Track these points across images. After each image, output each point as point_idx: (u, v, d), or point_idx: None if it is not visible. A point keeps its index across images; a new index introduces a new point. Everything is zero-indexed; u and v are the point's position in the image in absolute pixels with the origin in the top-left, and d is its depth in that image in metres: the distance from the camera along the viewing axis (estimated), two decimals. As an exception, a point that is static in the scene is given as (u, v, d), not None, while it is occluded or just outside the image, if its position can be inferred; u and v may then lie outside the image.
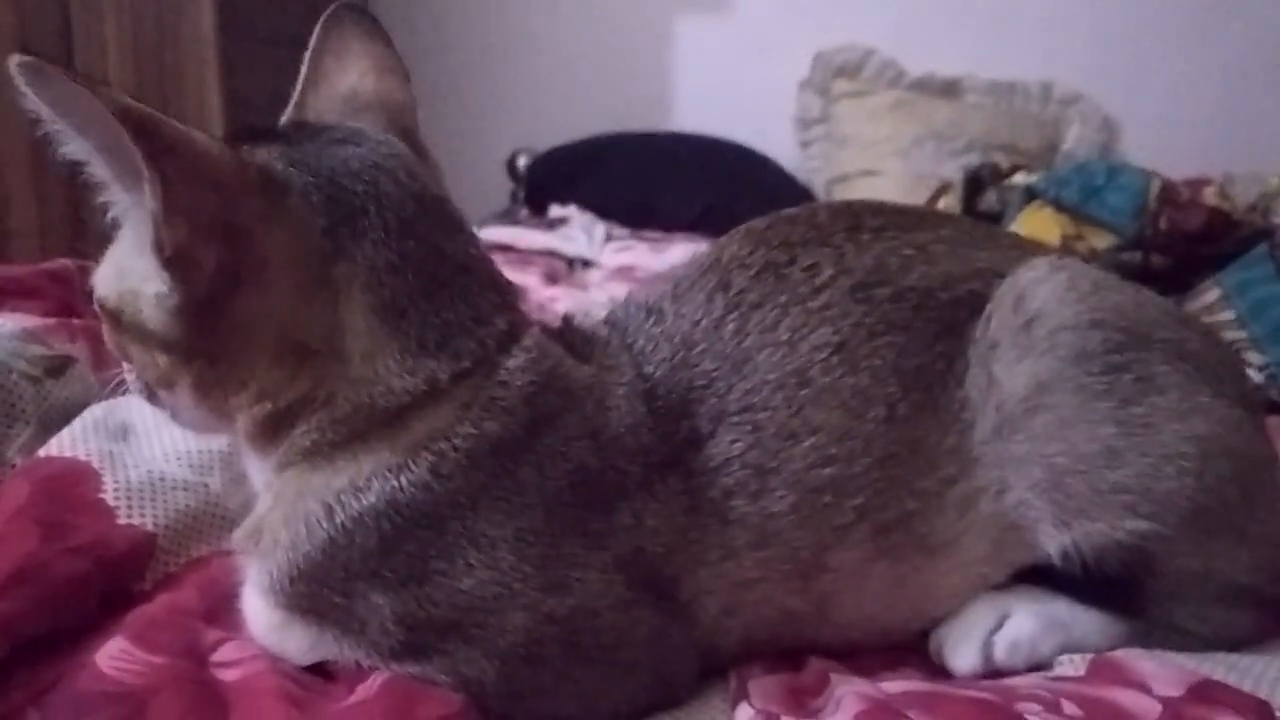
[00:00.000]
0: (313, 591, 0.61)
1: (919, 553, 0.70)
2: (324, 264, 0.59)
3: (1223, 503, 0.70)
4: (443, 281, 0.62)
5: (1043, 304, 0.70)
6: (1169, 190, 1.49)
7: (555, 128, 2.83)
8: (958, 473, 0.70)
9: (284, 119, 0.70)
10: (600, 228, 2.47)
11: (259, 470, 0.65)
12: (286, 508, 0.61)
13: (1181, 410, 0.69)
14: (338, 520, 0.59)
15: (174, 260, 0.56)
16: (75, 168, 0.57)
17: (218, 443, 0.82)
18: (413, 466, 0.59)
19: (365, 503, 0.59)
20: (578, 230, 2.43)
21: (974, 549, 0.71)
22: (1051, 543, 0.71)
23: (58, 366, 0.89)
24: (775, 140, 2.84)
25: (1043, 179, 1.59)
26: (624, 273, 2.23)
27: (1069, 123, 2.82)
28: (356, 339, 0.60)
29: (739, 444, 0.67)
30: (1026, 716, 0.62)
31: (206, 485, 0.80)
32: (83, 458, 0.77)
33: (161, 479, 0.78)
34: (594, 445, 0.64)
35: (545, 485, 0.62)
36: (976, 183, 1.69)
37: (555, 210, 2.58)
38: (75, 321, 0.95)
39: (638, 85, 3.00)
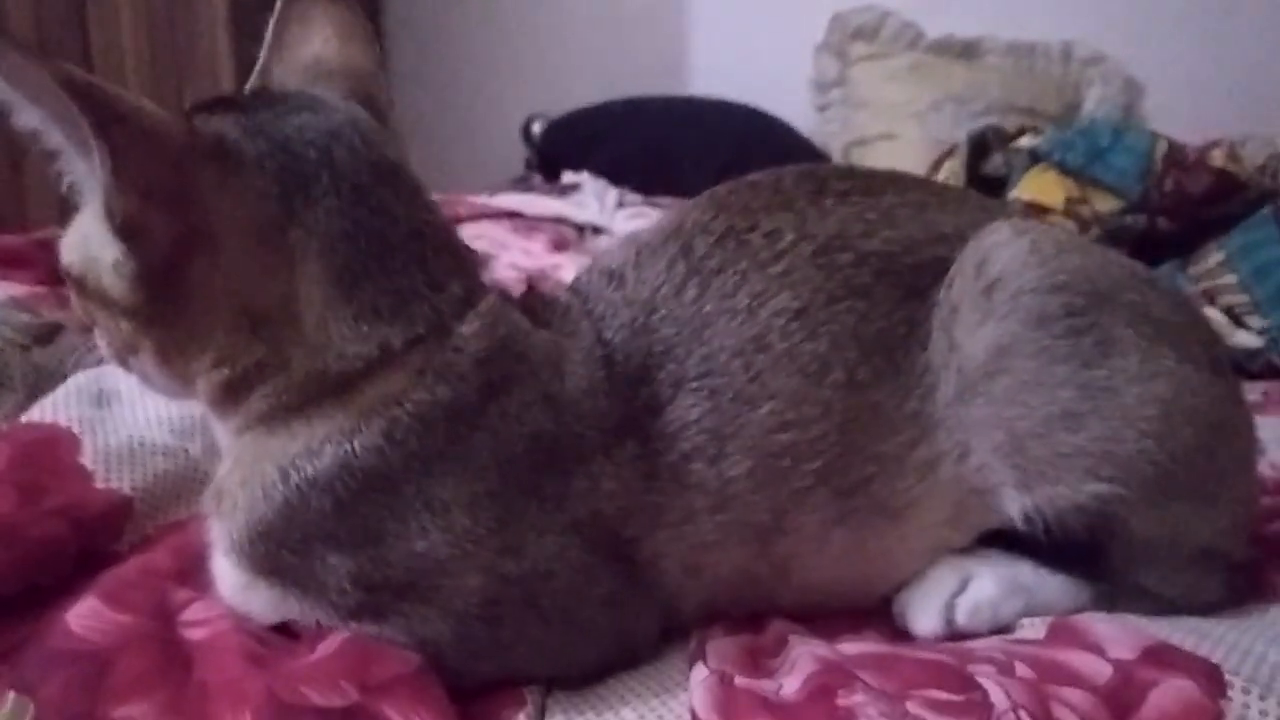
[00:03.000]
0: (271, 553, 0.62)
1: (879, 516, 0.70)
2: (277, 232, 0.60)
3: (1186, 466, 0.70)
4: (397, 248, 0.63)
5: (1004, 268, 0.70)
6: (1175, 152, 1.47)
7: (570, 93, 2.82)
8: (919, 437, 0.70)
9: (249, 84, 0.71)
10: (612, 194, 2.47)
11: (221, 433, 0.66)
12: (245, 471, 0.62)
13: (1143, 373, 0.69)
14: (292, 483, 0.61)
15: (125, 228, 0.57)
16: (31, 136, 0.58)
17: (198, 408, 0.84)
18: (365, 430, 0.60)
19: (319, 466, 0.60)
20: (589, 197, 2.43)
21: (935, 513, 0.71)
22: (1013, 506, 0.71)
23: (46, 334, 0.91)
24: (792, 104, 2.82)
25: (1047, 141, 1.57)
26: (634, 239, 2.23)
27: (1090, 84, 2.78)
28: (310, 306, 0.61)
29: (697, 409, 0.68)
30: (978, 678, 0.62)
31: (187, 450, 0.82)
32: (63, 423, 0.79)
33: (141, 444, 0.79)
34: (549, 410, 0.65)
35: (500, 449, 0.63)
36: (981, 146, 1.68)
37: (568, 177, 2.58)
38: (64, 290, 0.97)
39: (654, 49, 2.98)
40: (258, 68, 0.71)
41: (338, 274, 0.61)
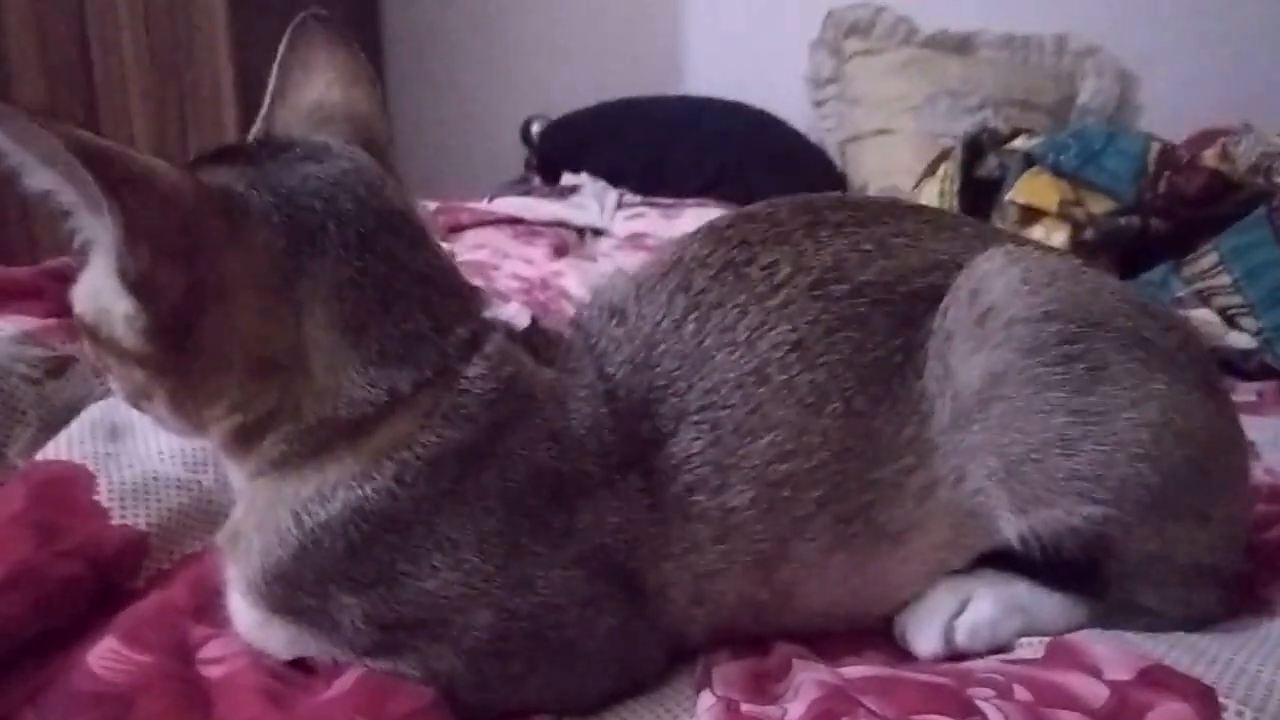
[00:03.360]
0: (287, 593, 0.64)
1: (879, 541, 0.72)
2: (286, 282, 0.61)
3: (1179, 486, 0.72)
4: (403, 293, 0.64)
5: (997, 296, 0.72)
6: (1168, 154, 1.48)
7: (567, 93, 2.83)
8: (916, 462, 0.72)
9: (253, 131, 0.72)
10: (612, 195, 2.48)
11: (235, 477, 0.68)
12: (259, 515, 0.64)
13: (1135, 398, 0.71)
14: (306, 527, 0.62)
15: (139, 285, 0.59)
16: (44, 196, 0.59)
17: (203, 440, 0.86)
18: (376, 475, 0.62)
19: (332, 511, 0.62)
20: (589, 198, 2.44)
21: (933, 536, 0.73)
22: (1010, 529, 0.72)
23: (58, 367, 0.92)
24: (788, 101, 2.83)
25: (1041, 144, 1.58)
26: (635, 240, 2.25)
27: (1084, 76, 2.78)
28: (320, 353, 0.62)
29: (699, 441, 0.69)
30: (978, 701, 0.64)
31: (199, 482, 0.83)
32: (78, 460, 0.80)
33: (155, 478, 0.81)
34: (554, 447, 0.66)
35: (507, 488, 0.64)
36: (976, 148, 1.68)
37: (567, 178, 2.59)
38: (74, 321, 0.98)
39: (649, 49, 2.99)
40: (262, 113, 0.72)
41: (346, 322, 0.62)
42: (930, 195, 1.64)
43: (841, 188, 2.68)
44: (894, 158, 2.68)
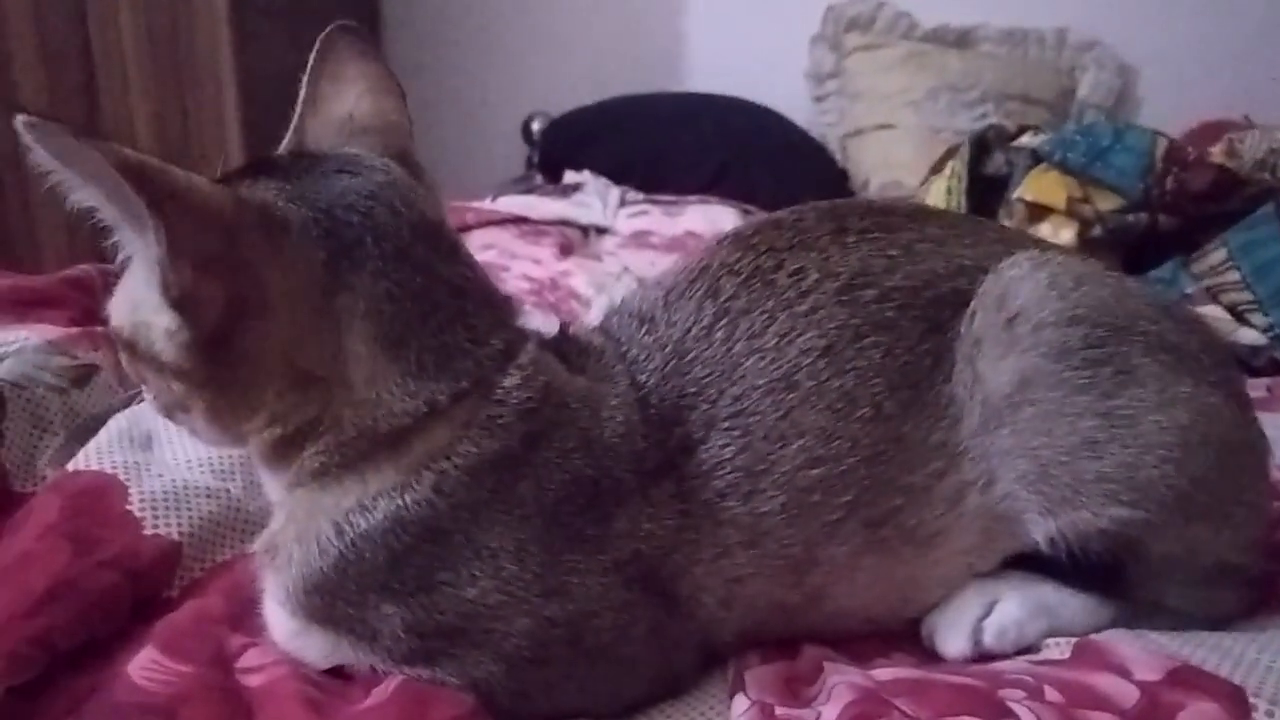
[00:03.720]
0: (327, 603, 0.64)
1: (908, 545, 0.73)
2: (325, 296, 0.62)
3: (1204, 488, 0.72)
4: (439, 305, 0.65)
5: (1025, 301, 0.72)
6: (1175, 150, 1.48)
7: (568, 90, 2.83)
8: (946, 467, 0.72)
9: (284, 143, 0.73)
10: (615, 193, 2.48)
11: (272, 487, 0.68)
12: (299, 526, 0.65)
13: (1161, 401, 0.71)
14: (347, 538, 0.63)
15: (181, 300, 0.59)
16: (87, 213, 0.60)
17: (236, 450, 0.86)
18: (416, 485, 0.63)
19: (373, 521, 0.62)
20: (592, 196, 2.44)
21: (962, 540, 0.74)
22: (1038, 531, 0.73)
23: (83, 376, 0.93)
24: (789, 96, 2.83)
25: (1049, 141, 1.58)
26: (639, 238, 2.25)
27: (1084, 70, 2.79)
28: (359, 365, 0.63)
29: (730, 448, 0.70)
30: (1009, 703, 0.65)
31: (228, 490, 0.84)
32: (109, 470, 0.81)
33: (185, 487, 0.81)
34: (589, 456, 0.67)
35: (543, 497, 0.65)
36: (983, 145, 1.69)
37: (570, 176, 2.59)
38: (98, 330, 0.99)
39: (650, 45, 2.99)
40: (293, 125, 0.73)
41: (384, 334, 0.63)
42: (938, 192, 1.65)
43: (843, 183, 2.69)
44: (895, 152, 2.69)
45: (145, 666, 0.65)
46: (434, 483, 0.63)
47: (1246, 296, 1.31)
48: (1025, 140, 1.65)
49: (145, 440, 0.87)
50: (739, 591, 0.71)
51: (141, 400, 0.78)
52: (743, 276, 0.73)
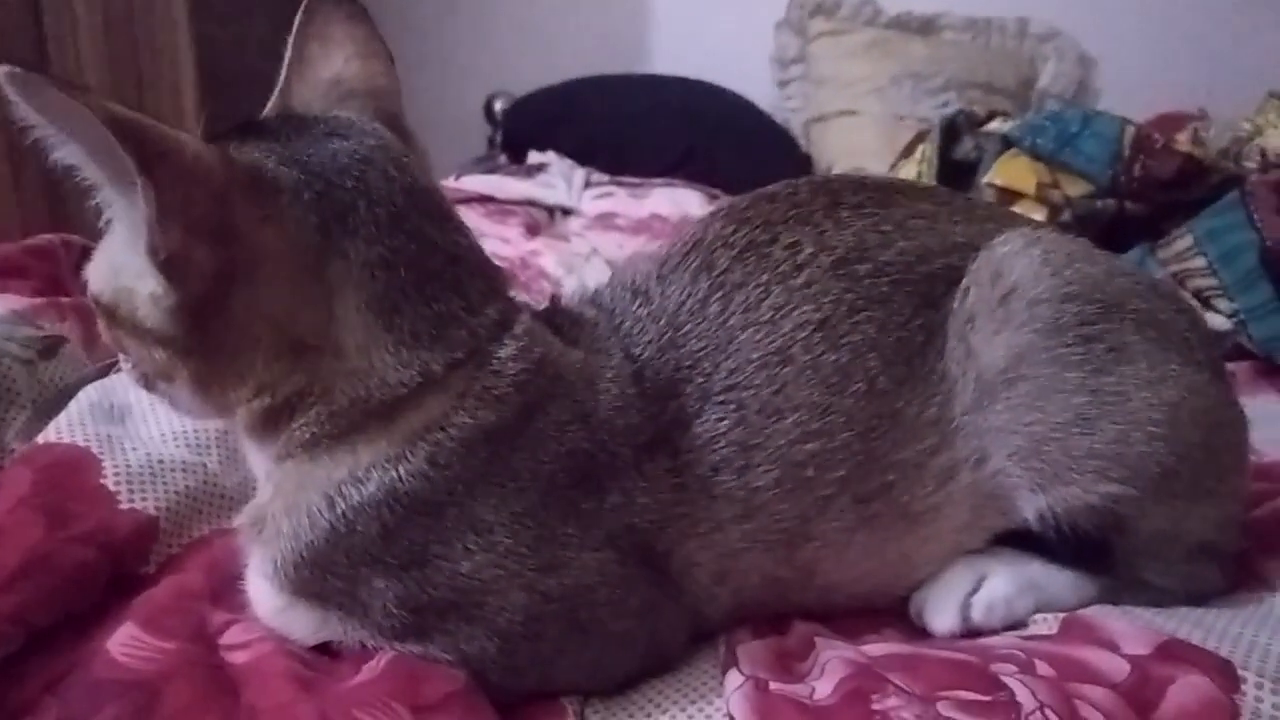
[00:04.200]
0: (316, 577, 0.63)
1: (900, 521, 0.73)
2: (317, 261, 0.60)
3: (1190, 466, 0.73)
4: (434, 273, 0.64)
5: (1018, 278, 0.72)
6: (1143, 137, 1.50)
7: (531, 70, 2.80)
8: (938, 443, 0.72)
9: (269, 106, 0.71)
10: (580, 174, 2.47)
11: (259, 459, 0.66)
12: (288, 498, 0.63)
13: (1151, 378, 0.72)
14: (339, 510, 0.61)
15: (169, 263, 0.57)
16: (67, 171, 0.57)
17: (214, 422, 0.84)
18: (410, 456, 0.61)
19: (365, 493, 0.61)
20: (557, 177, 2.43)
21: (954, 517, 0.74)
22: (1028, 508, 0.73)
23: (49, 348, 0.90)
24: (752, 81, 2.83)
25: (1018, 127, 1.60)
26: (604, 220, 2.24)
27: (1045, 59, 2.83)
28: (351, 333, 0.61)
29: (725, 422, 0.69)
30: (1002, 677, 0.65)
31: (205, 465, 0.82)
32: (81, 443, 0.78)
33: (160, 461, 0.79)
34: (584, 429, 0.66)
35: (539, 469, 0.64)
36: (952, 130, 1.70)
37: (534, 156, 2.58)
38: (64, 300, 0.96)
39: (615, 27, 2.97)
40: (279, 86, 0.71)
41: (378, 302, 0.61)
42: (907, 176, 1.65)
43: (808, 168, 2.70)
44: (858, 138, 2.70)
45: (125, 643, 0.64)
46: (428, 454, 0.61)
47: (1212, 282, 1.32)
48: (995, 126, 1.66)
49: (118, 413, 0.84)
50: (731, 566, 0.71)
51: (115, 372, 0.76)
52: (737, 250, 0.73)
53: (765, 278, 0.71)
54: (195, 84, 2.35)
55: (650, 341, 0.70)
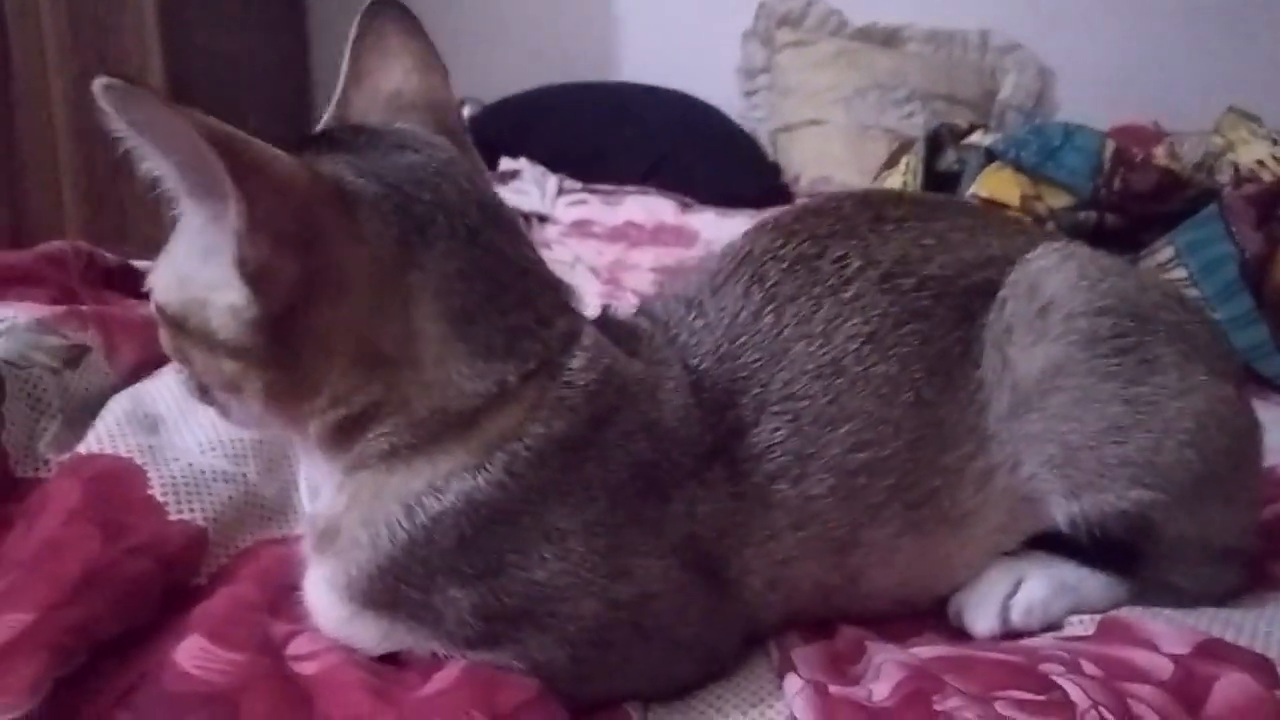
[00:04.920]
0: (391, 588, 0.63)
1: (942, 526, 0.75)
2: (397, 273, 0.61)
3: (1216, 472, 0.76)
4: (506, 286, 0.64)
5: (1055, 291, 0.75)
6: (1122, 151, 1.55)
7: (500, 77, 2.80)
8: (976, 450, 0.75)
9: (326, 116, 0.71)
10: (552, 181, 2.47)
11: (326, 471, 0.66)
12: (364, 509, 0.63)
13: (1181, 389, 0.75)
14: (418, 520, 0.62)
15: (255, 274, 0.57)
16: (154, 182, 0.57)
17: (263, 433, 0.84)
18: (488, 467, 0.62)
19: (445, 503, 0.62)
20: (530, 184, 2.43)
21: (991, 520, 0.76)
22: (1061, 513, 0.76)
23: (74, 357, 0.89)
24: (720, 90, 2.86)
25: (1002, 140, 1.64)
26: (581, 227, 2.25)
27: (1006, 71, 2.88)
28: (429, 345, 0.62)
29: (781, 432, 0.71)
30: (1053, 677, 0.67)
31: (244, 475, 0.81)
32: (124, 454, 0.78)
33: (202, 472, 0.79)
34: (650, 438, 0.67)
35: (608, 478, 0.65)
36: (935, 142, 1.74)
37: (506, 163, 2.57)
38: (84, 309, 0.95)
39: (583, 35, 2.98)
40: (336, 97, 0.71)
41: (455, 313, 0.62)
42: (892, 186, 1.69)
43: (776, 178, 2.73)
44: (825, 148, 2.73)
45: (195, 656, 0.63)
46: (505, 464, 0.62)
47: (1194, 293, 1.37)
48: (976, 138, 1.70)
49: (151, 423, 0.84)
50: (784, 573, 0.72)
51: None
52: (787, 263, 0.74)
53: (816, 290, 0.73)
54: (165, 87, 2.32)
55: (708, 353, 0.72)
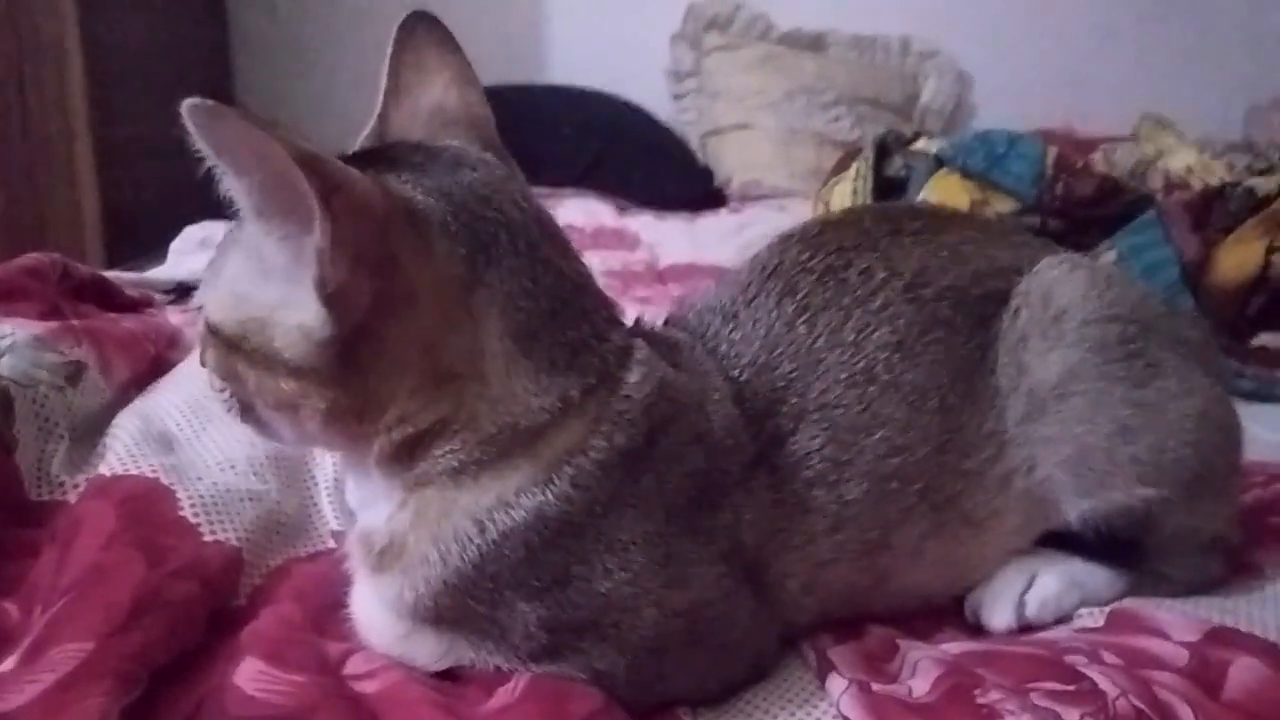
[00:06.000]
0: (458, 603, 0.64)
1: (965, 527, 0.78)
2: (465, 291, 0.61)
3: (1212, 468, 0.81)
4: (565, 301, 0.65)
5: (1068, 300, 0.78)
6: (1063, 158, 1.62)
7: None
8: (996, 454, 0.78)
9: (367, 132, 0.71)
10: (487, 183, 2.46)
11: (383, 488, 0.66)
12: (431, 526, 0.63)
13: (1181, 391, 0.79)
14: (489, 536, 0.62)
15: (334, 295, 0.57)
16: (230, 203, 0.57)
17: (267, 448, 0.83)
18: (556, 481, 0.63)
19: (516, 517, 0.62)
20: (467, 187, 2.41)
21: (1009, 521, 0.79)
22: (1072, 511, 0.80)
23: (74, 374, 0.87)
24: (649, 93, 2.88)
25: (949, 147, 1.69)
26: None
27: (926, 76, 2.98)
28: (495, 361, 0.62)
29: (817, 439, 0.73)
30: (1078, 668, 0.71)
31: (268, 493, 0.80)
32: (148, 474, 0.76)
33: (227, 491, 0.78)
34: (701, 449, 0.69)
35: (664, 489, 0.66)
36: (883, 149, 1.79)
37: (441, 165, 2.55)
38: (75, 324, 0.92)
39: (511, 36, 2.97)
40: (377, 113, 0.71)
41: (519, 329, 0.63)
42: (843, 193, 1.73)
43: (709, 181, 2.76)
44: (755, 152, 2.78)
45: (255, 678, 0.63)
46: (572, 478, 0.63)
47: (1138, 294, 1.43)
48: (921, 145, 1.76)
49: (166, 441, 0.82)
50: (820, 576, 0.74)
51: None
52: (816, 275, 0.77)
53: (845, 301, 0.76)
54: (84, 88, 2.25)
55: (748, 364, 0.74)
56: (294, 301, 0.59)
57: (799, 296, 0.76)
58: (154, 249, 2.02)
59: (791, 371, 0.74)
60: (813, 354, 0.74)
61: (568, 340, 0.65)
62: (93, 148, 2.27)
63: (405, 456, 0.64)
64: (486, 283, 0.62)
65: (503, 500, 0.62)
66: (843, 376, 0.74)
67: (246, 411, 0.67)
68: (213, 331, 0.64)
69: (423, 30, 0.72)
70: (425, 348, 0.61)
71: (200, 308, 0.65)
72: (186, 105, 0.51)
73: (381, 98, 0.71)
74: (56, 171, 2.24)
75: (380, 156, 0.64)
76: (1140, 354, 0.79)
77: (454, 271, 0.61)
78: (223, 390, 0.67)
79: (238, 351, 0.63)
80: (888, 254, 0.78)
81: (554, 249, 0.66)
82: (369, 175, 0.58)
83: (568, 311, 0.65)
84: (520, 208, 0.65)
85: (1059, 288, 0.79)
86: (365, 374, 0.61)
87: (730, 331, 0.75)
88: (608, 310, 0.69)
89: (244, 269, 0.62)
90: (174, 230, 1.97)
